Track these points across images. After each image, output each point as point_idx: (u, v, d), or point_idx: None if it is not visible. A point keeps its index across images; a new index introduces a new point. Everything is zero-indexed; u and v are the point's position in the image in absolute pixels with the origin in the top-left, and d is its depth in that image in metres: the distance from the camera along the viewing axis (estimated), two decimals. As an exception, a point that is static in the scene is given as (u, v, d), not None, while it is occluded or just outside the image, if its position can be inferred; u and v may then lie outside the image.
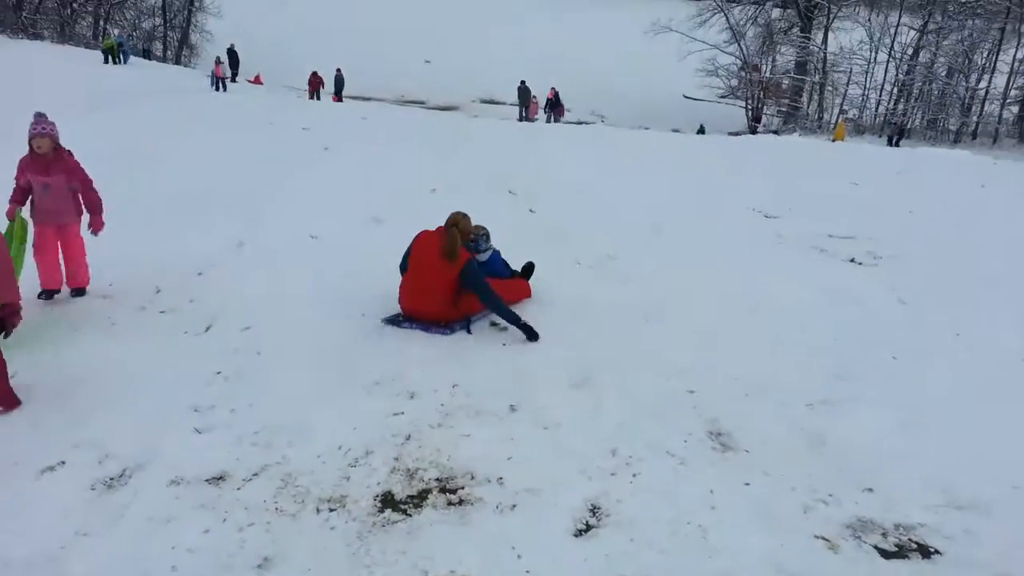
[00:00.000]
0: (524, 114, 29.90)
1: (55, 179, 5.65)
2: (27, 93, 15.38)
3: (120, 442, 3.93)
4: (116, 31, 37.16)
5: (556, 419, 4.26)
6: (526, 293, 6.28)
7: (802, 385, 4.78)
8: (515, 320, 5.38)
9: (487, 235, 6.35)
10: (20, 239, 5.54)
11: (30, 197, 5.74)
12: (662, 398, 4.53)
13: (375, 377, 4.71)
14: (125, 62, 27.85)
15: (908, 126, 38.14)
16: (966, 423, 4.39)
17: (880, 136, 33.84)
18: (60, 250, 5.80)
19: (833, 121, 38.23)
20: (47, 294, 5.83)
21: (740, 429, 4.22)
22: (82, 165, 5.88)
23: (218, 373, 4.70)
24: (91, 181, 5.88)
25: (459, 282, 5.37)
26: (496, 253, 6.40)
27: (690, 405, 4.47)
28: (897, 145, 28.47)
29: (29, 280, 5.46)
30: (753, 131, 34.64)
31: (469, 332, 5.49)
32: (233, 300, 5.90)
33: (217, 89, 24.19)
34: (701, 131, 33.56)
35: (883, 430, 4.29)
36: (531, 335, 5.34)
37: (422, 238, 5.65)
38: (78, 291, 5.92)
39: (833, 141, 25.59)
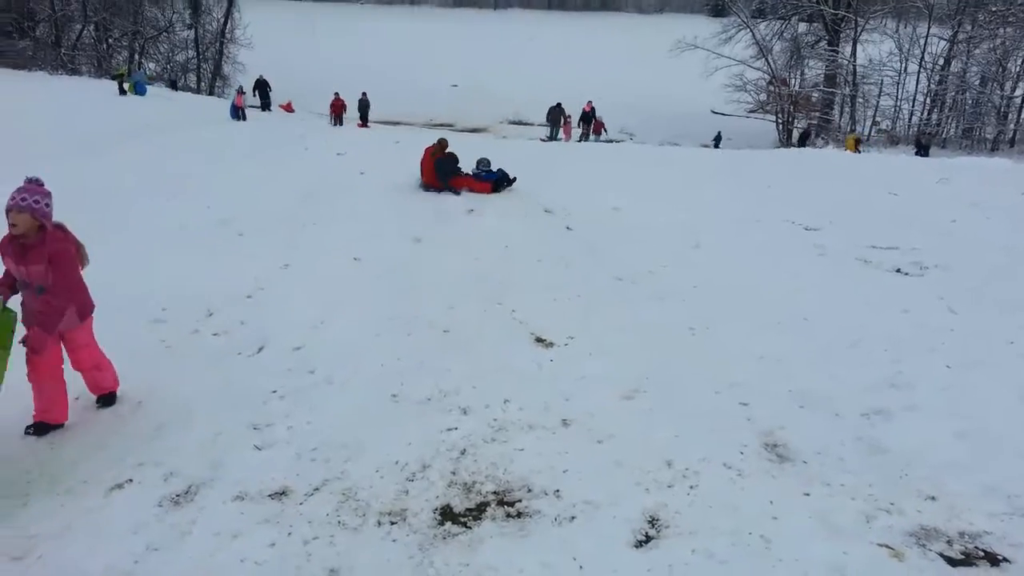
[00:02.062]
0: (555, 134, 29.22)
1: (33, 270, 4.06)
2: (49, 129, 15.70)
3: (183, 460, 4.02)
4: (125, 62, 37.99)
5: (609, 432, 4.28)
6: (482, 189, 11.49)
7: (856, 396, 4.74)
8: (450, 190, 11.34)
9: (488, 161, 12.05)
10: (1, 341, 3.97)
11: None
12: (715, 410, 4.52)
13: (427, 393, 4.77)
14: (141, 95, 26.89)
15: (943, 135, 37.66)
16: (1022, 430, 4.32)
17: (908, 145, 33.41)
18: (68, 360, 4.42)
19: (867, 132, 37.86)
20: (38, 428, 4.29)
21: (796, 440, 4.19)
22: (74, 250, 4.29)
23: (273, 392, 4.79)
24: (66, 279, 4.16)
25: (437, 167, 11.41)
26: (495, 173, 11.83)
27: (744, 417, 4.45)
28: (924, 155, 28.06)
29: (14, 396, 4.08)
30: (786, 144, 34.43)
31: (457, 195, 11.22)
32: (283, 321, 6.00)
33: (237, 119, 24.04)
34: (717, 140, 33.42)
35: (941, 439, 4.24)
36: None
37: (426, 151, 11.80)
38: (106, 399, 4.66)
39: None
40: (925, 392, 4.78)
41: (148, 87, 29.63)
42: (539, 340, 5.75)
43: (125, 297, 6.33)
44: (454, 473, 3.92)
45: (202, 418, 4.47)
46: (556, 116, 29.20)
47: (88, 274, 6.17)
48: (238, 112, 24.42)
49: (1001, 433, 4.25)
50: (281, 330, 5.79)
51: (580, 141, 28.59)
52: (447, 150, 11.75)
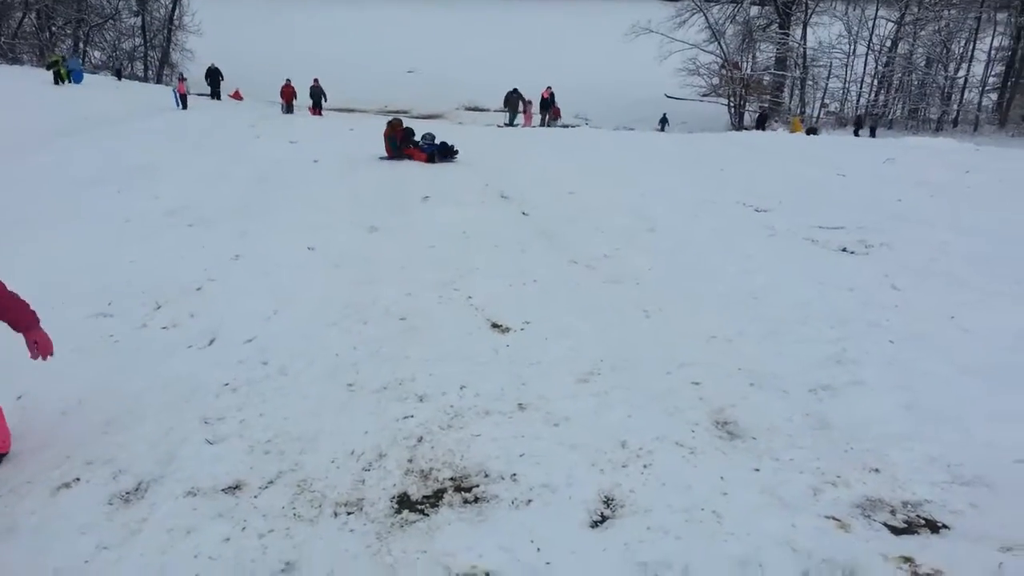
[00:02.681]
0: (513, 120, 28.92)
1: None
2: None
3: (133, 457, 3.95)
4: (62, 48, 36.90)
5: (564, 414, 4.31)
6: (419, 158, 13.38)
7: (804, 372, 4.85)
8: (398, 156, 13.43)
9: (432, 136, 13.91)
10: None
11: None
12: (668, 391, 4.59)
13: (383, 382, 4.75)
14: (77, 82, 26.32)
15: (889, 116, 38.52)
16: (965, 403, 4.45)
17: (863, 128, 34.15)
18: None
19: (816, 115, 38.53)
20: None
21: (746, 418, 4.27)
22: None
23: (225, 385, 4.73)
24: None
25: (390, 143, 13.46)
26: (435, 145, 13.63)
27: (696, 396, 4.52)
28: (870, 135, 28.67)
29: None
30: (739, 127, 34.88)
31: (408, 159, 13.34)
32: (234, 313, 5.92)
33: (181, 107, 23.34)
34: (663, 123, 33.75)
35: (885, 413, 4.35)
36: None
37: (386, 130, 13.78)
38: None
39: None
40: (870, 367, 4.90)
41: (85, 74, 28.75)
42: (495, 326, 5.76)
43: (70, 291, 6.21)
44: (411, 461, 3.91)
45: (152, 413, 4.39)
46: (514, 101, 28.83)
47: (32, 268, 6.04)
48: (180, 99, 23.77)
49: (942, 405, 4.39)
50: (232, 322, 5.71)
51: (540, 126, 28.39)
52: (404, 126, 14.16)
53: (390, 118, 14.86)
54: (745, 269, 7.07)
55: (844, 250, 7.88)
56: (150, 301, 6.11)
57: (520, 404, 4.46)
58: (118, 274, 6.57)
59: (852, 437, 4.08)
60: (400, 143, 13.64)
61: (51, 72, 25.74)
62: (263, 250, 7.63)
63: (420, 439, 4.12)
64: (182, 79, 25.23)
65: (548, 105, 29.31)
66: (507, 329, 5.69)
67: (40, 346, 3.93)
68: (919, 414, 4.32)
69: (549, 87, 29.57)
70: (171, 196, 9.64)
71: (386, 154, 13.79)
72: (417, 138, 13.80)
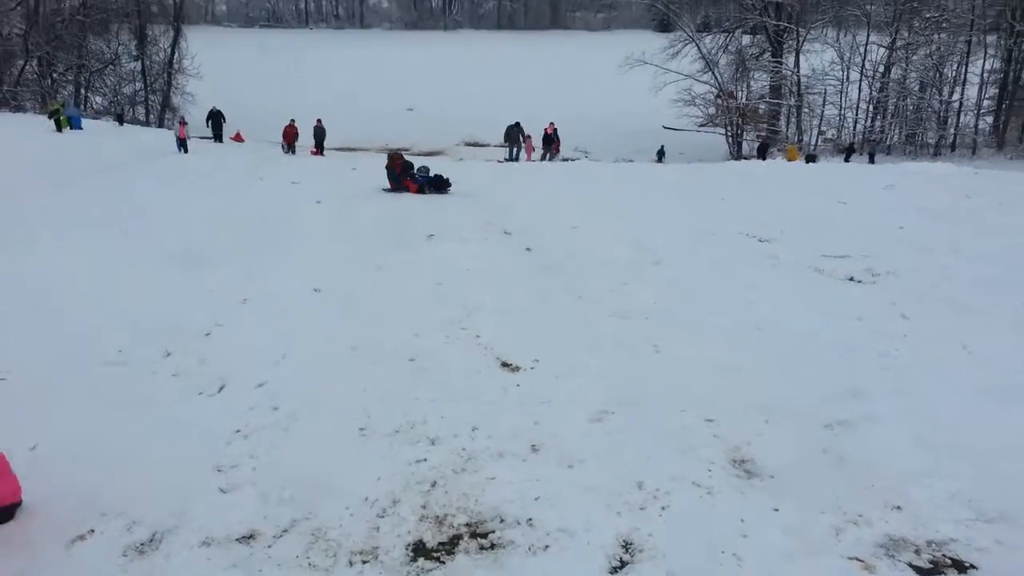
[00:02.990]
0: (514, 155, 28.52)
1: None
2: None
3: (147, 508, 3.92)
4: (63, 95, 37.27)
5: (579, 456, 4.28)
6: (413, 189, 14.13)
7: (818, 407, 4.82)
8: (398, 188, 14.19)
9: (427, 169, 14.67)
10: None
11: None
12: (682, 428, 4.56)
13: (394, 425, 4.73)
14: (77, 128, 26.45)
15: (887, 141, 38.78)
16: (982, 433, 4.43)
17: (861, 155, 34.35)
18: None
19: (813, 142, 38.78)
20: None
21: (763, 455, 4.24)
22: None
23: (237, 431, 4.71)
24: None
25: (390, 174, 14.26)
26: (430, 177, 14.35)
27: (710, 434, 4.50)
28: (847, 162, 28.86)
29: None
30: (737, 157, 35.11)
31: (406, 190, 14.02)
32: (244, 358, 5.91)
33: (182, 151, 23.14)
34: (661, 154, 33.94)
35: (903, 447, 4.32)
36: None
37: (387, 163, 14.69)
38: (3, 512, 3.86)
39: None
40: (884, 400, 4.88)
41: (84, 119, 28.99)
42: (505, 364, 5.75)
43: (80, 339, 6.21)
44: (425, 507, 3.88)
45: (165, 462, 4.36)
46: (515, 135, 28.54)
47: (42, 314, 6.05)
48: (181, 144, 23.63)
49: (959, 438, 4.36)
50: (242, 367, 5.70)
51: (543, 161, 28.38)
52: (403, 160, 14.94)
53: (391, 152, 16.00)
54: (752, 300, 7.07)
55: (851, 279, 7.89)
56: (160, 348, 6.10)
57: (533, 445, 4.44)
58: (128, 320, 6.57)
59: (871, 474, 4.05)
60: (399, 175, 14.37)
61: (52, 120, 25.93)
62: (270, 293, 7.63)
63: (434, 484, 4.09)
64: (183, 123, 25.36)
65: (551, 141, 29.17)
66: (516, 368, 5.67)
67: None
68: (936, 447, 4.29)
69: (552, 123, 29.53)
70: (176, 239, 9.68)
71: (388, 186, 14.53)
72: (414, 171, 14.56)
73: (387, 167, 14.72)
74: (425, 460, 4.32)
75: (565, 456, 4.29)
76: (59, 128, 25.46)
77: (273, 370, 5.67)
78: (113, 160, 17.85)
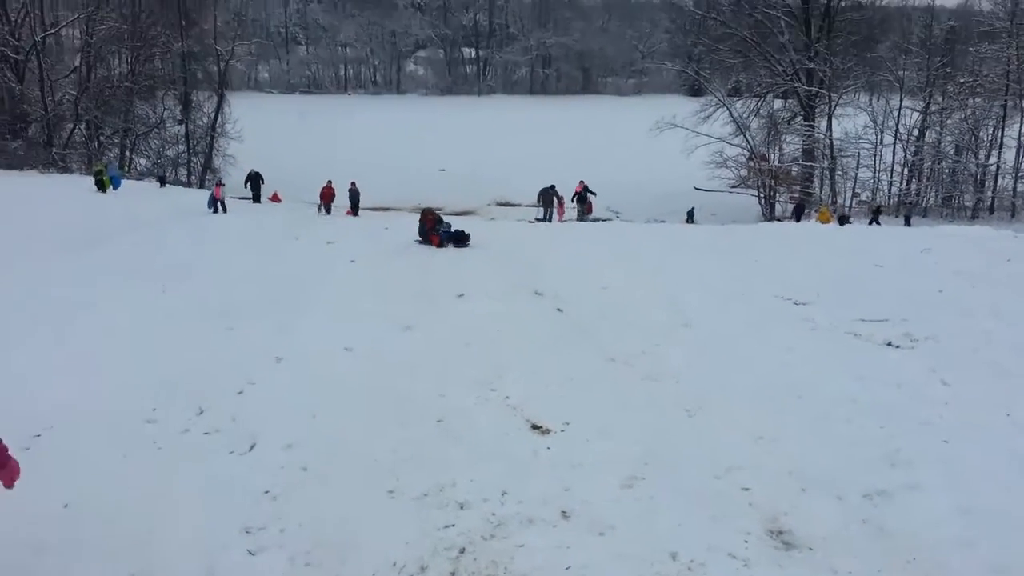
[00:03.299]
0: (547, 216, 28.15)
1: None
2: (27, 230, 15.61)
3: (175, 567, 3.91)
4: (108, 156, 38.56)
5: (610, 522, 4.19)
6: (434, 242, 15.04)
7: (857, 475, 4.69)
8: (427, 241, 15.18)
9: (449, 225, 15.81)
10: None
11: None
12: (716, 496, 4.46)
13: (422, 488, 4.68)
14: (116, 188, 27.15)
15: (923, 204, 38.46)
16: (1027, 505, 4.26)
17: (897, 216, 34.04)
18: None
19: (848, 204, 38.59)
20: None
21: (801, 525, 4.12)
22: None
23: (266, 492, 4.69)
24: None
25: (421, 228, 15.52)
26: (451, 232, 15.31)
27: (746, 502, 4.38)
28: (874, 223, 28.50)
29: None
30: (770, 218, 35.02)
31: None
32: (275, 417, 5.93)
33: (216, 211, 23.07)
34: (691, 215, 33.91)
35: (944, 518, 4.18)
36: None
37: (420, 217, 15.98)
38: None
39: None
40: (925, 468, 4.74)
41: (123, 180, 29.82)
42: (535, 427, 5.70)
43: (116, 395, 6.28)
44: (453, 573, 3.82)
45: (194, 522, 4.36)
46: (548, 197, 28.36)
47: (79, 369, 6.15)
48: (217, 204, 23.56)
49: (1004, 508, 4.21)
50: (273, 426, 5.71)
51: (579, 220, 28.26)
52: (433, 215, 16.14)
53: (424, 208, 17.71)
54: (788, 365, 6.96)
55: (889, 344, 7.74)
56: (193, 405, 6.15)
57: (564, 511, 4.36)
58: (163, 377, 6.65)
59: (912, 545, 3.91)
60: (429, 229, 15.62)
61: (95, 181, 26.72)
62: (302, 351, 7.69)
63: (462, 550, 4.02)
64: (219, 184, 25.80)
65: (583, 199, 29.00)
66: (547, 430, 5.62)
67: (2, 478, 3.69)
68: (980, 518, 4.13)
69: (581, 181, 29.47)
70: (213, 297, 9.83)
71: (419, 238, 15.83)
72: (440, 227, 15.84)
73: (420, 221, 16.00)
74: (454, 525, 4.26)
75: (596, 523, 4.21)
76: (102, 188, 26.22)
77: (303, 429, 5.68)
78: (152, 219, 18.30)
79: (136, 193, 27.22)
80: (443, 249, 14.51)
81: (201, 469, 5.05)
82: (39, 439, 5.40)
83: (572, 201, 29.27)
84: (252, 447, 5.43)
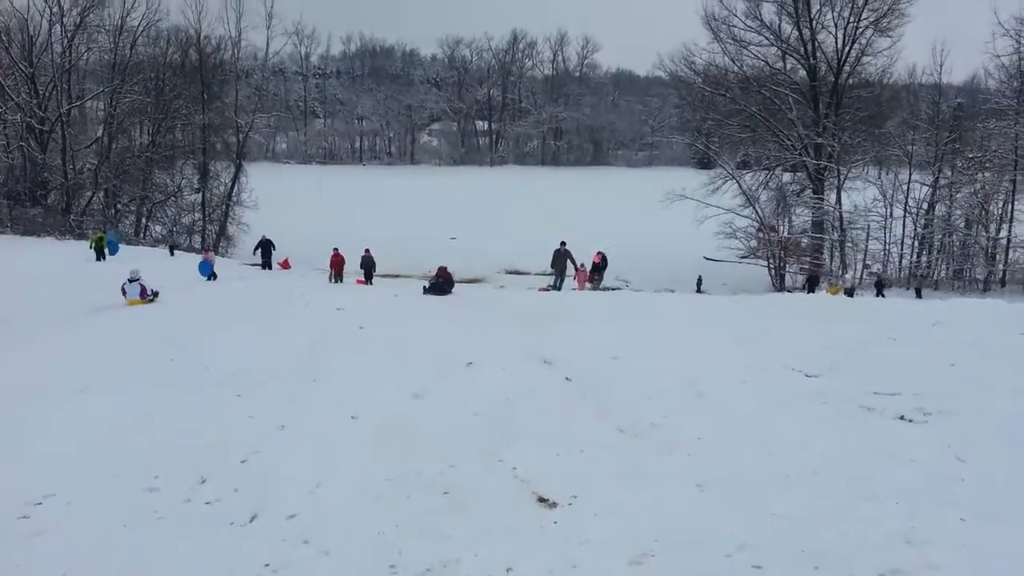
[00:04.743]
0: (558, 283, 25.91)
1: None
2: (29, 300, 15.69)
3: (168, 645, 3.80)
4: (125, 224, 39.14)
5: (618, 603, 4.07)
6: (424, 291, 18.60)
7: (871, 554, 4.56)
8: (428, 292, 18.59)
9: (439, 279, 18.66)
10: None
11: None
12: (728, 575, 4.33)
13: (426, 563, 4.58)
14: (112, 254, 27.12)
15: (934, 277, 38.40)
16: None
17: (908, 288, 33.94)
18: None
19: (858, 276, 38.55)
20: None
21: (814, 607, 3.98)
22: None
23: (266, 566, 4.60)
24: None
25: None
26: (436, 283, 18.38)
27: (758, 582, 4.26)
28: (880, 296, 28.33)
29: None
30: (780, 289, 34.98)
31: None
32: (277, 487, 5.86)
33: (207, 277, 22.25)
34: (699, 284, 33.89)
35: (965, 601, 4.03)
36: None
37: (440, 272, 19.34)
38: None
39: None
40: (942, 549, 4.60)
41: (122, 245, 29.96)
42: (542, 500, 5.59)
43: (118, 463, 6.24)
44: (455, 653, 3.69)
45: (190, 596, 4.27)
46: (561, 262, 25.62)
47: (84, 440, 6.11)
48: (208, 270, 22.80)
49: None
50: (275, 496, 5.63)
51: (587, 290, 27.54)
52: (447, 272, 19.25)
53: (441, 267, 20.04)
54: (801, 439, 6.84)
55: (902, 418, 7.61)
56: (195, 474, 6.08)
57: (571, 590, 4.24)
58: (168, 444, 6.61)
59: (932, 630, 3.76)
60: (436, 280, 18.97)
61: (93, 249, 26.57)
62: (308, 419, 7.64)
63: (465, 628, 3.90)
64: (207, 249, 25.44)
65: (601, 269, 27.48)
66: (554, 504, 5.51)
67: None
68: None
69: (600, 252, 28.00)
70: (220, 365, 9.83)
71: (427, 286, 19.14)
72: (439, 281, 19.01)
73: (436, 274, 19.34)
74: (457, 602, 4.15)
75: (603, 602, 4.08)
76: (100, 257, 26.22)
77: (307, 501, 5.60)
78: (159, 286, 18.26)
79: (145, 260, 27.41)
80: (454, 318, 14.38)
81: (201, 540, 4.97)
82: (40, 507, 5.34)
83: (591, 273, 27.52)
84: (253, 518, 5.35)
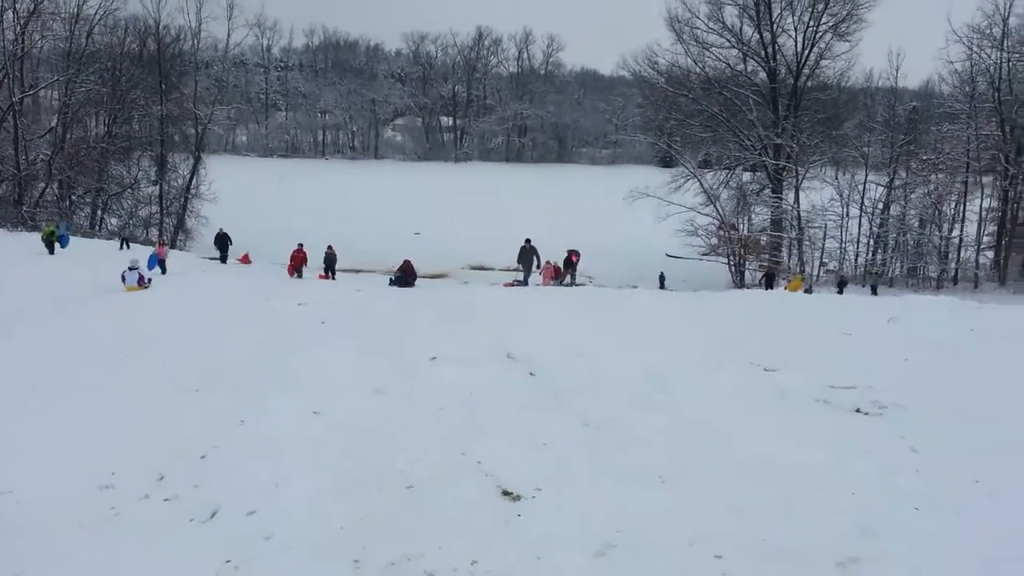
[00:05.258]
0: (526, 279, 26.05)
1: None
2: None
3: (125, 642, 3.73)
4: (78, 216, 38.21)
5: (582, 594, 4.09)
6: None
7: (829, 543, 4.65)
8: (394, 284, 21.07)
9: (401, 274, 21.76)
10: None
11: None
12: (689, 566, 4.38)
13: (390, 558, 4.56)
14: (63, 246, 25.97)
15: (889, 274, 39.28)
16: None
17: (864, 286, 34.65)
18: None
19: (816, 274, 39.27)
20: None
21: (773, 595, 4.05)
22: None
23: (227, 562, 4.54)
24: None
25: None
26: (399, 276, 21.70)
27: (719, 572, 4.32)
28: (840, 293, 28.93)
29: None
30: (739, 285, 35.46)
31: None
32: (237, 482, 5.78)
33: (160, 271, 21.56)
34: (662, 281, 34.26)
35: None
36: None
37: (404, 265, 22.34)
38: None
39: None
40: (897, 538, 4.71)
41: (71, 237, 29.14)
42: (506, 493, 5.60)
43: (74, 461, 6.09)
44: (419, 646, 3.68)
45: (148, 593, 4.19)
46: (528, 257, 25.87)
47: (39, 437, 5.97)
48: (159, 264, 22.08)
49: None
50: (235, 493, 5.56)
51: (566, 286, 27.26)
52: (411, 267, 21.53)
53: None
54: (759, 431, 6.95)
55: (857, 411, 7.78)
56: (153, 471, 5.98)
57: (535, 582, 4.25)
58: (124, 442, 6.48)
59: (887, 617, 3.85)
60: (401, 273, 21.49)
61: (44, 242, 25.75)
62: (269, 415, 7.55)
63: (429, 621, 3.89)
64: (162, 243, 24.95)
65: (574, 266, 27.06)
66: (518, 497, 5.52)
67: None
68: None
69: (577, 251, 27.65)
70: (178, 361, 9.65)
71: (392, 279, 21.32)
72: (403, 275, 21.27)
73: (400, 268, 21.67)
74: (421, 596, 4.14)
75: (567, 594, 4.11)
76: (51, 250, 25.50)
77: (267, 497, 5.53)
78: (113, 283, 17.84)
79: (95, 254, 26.68)
80: (418, 313, 14.28)
81: (159, 538, 4.89)
82: (-9, 505, 5.21)
83: (565, 270, 27.26)
84: (214, 514, 5.27)
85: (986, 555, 4.48)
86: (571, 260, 27.63)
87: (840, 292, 30.09)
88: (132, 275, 17.05)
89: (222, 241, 31.32)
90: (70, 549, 4.48)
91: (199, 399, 8.07)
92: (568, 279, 28.11)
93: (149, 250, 25.99)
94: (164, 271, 22.15)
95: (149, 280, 17.69)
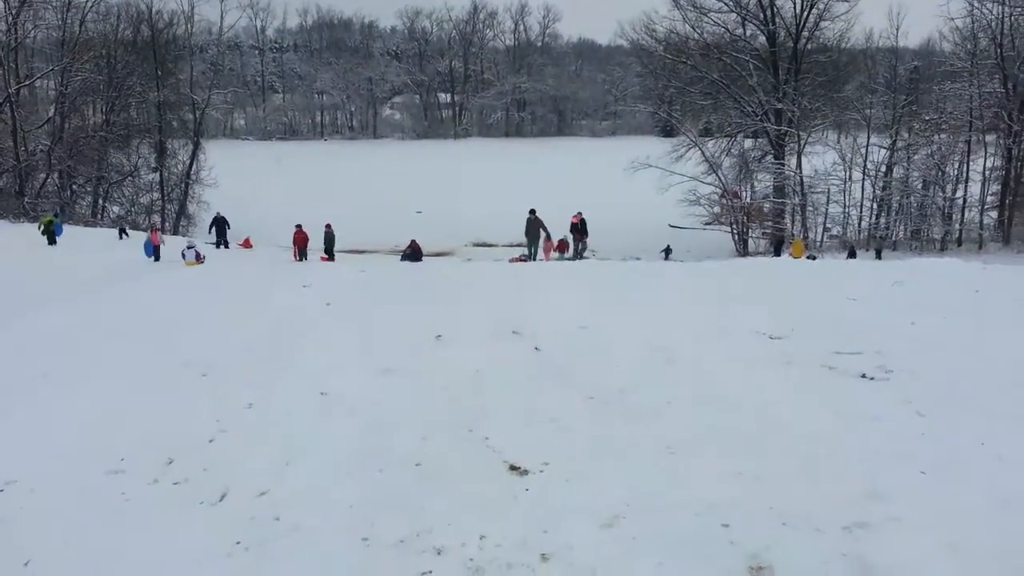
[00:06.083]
0: (532, 254, 25.54)
1: None
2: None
3: (140, 626, 3.77)
4: (81, 205, 38.16)
5: (590, 565, 4.13)
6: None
7: (837, 509, 4.66)
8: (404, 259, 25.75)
9: (410, 250, 26.77)
10: None
11: None
12: (697, 534, 4.40)
13: (399, 535, 4.58)
14: (57, 234, 26.42)
15: (892, 237, 39.14)
16: (1011, 539, 4.24)
17: (868, 250, 34.58)
18: None
19: (820, 239, 39.16)
20: None
21: (782, 561, 4.08)
22: None
23: (238, 543, 4.57)
24: None
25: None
26: (408, 253, 26.57)
27: (727, 540, 4.33)
28: (850, 258, 28.90)
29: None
30: (743, 254, 35.41)
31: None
32: (247, 465, 5.81)
33: (153, 258, 21.87)
34: (667, 252, 34.24)
35: (927, 552, 4.15)
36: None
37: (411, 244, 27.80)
38: None
39: (794, 258, 26.12)
40: (904, 502, 4.72)
41: (66, 226, 29.15)
42: (513, 468, 5.62)
43: (83, 448, 6.14)
44: (430, 622, 3.71)
45: (162, 577, 4.23)
46: (535, 229, 24.93)
47: (48, 424, 6.01)
48: (154, 251, 22.38)
49: (986, 542, 4.18)
50: (245, 475, 5.59)
51: (579, 257, 26.52)
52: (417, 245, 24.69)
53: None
54: (766, 400, 6.95)
55: (863, 376, 7.77)
56: (162, 456, 6.01)
57: (543, 554, 4.28)
58: (132, 427, 6.51)
59: (895, 579, 3.86)
60: (409, 251, 24.78)
61: (43, 233, 25.81)
62: (276, 397, 7.57)
63: (440, 597, 3.92)
64: (155, 228, 24.98)
65: (580, 230, 26.90)
66: (525, 471, 5.54)
67: None
68: (964, 555, 4.10)
69: (580, 212, 27.34)
70: (184, 346, 9.69)
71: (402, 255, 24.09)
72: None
73: (408, 246, 25.13)
74: (431, 572, 4.17)
75: (576, 567, 4.14)
76: (51, 240, 25.53)
77: (276, 477, 5.56)
78: (116, 273, 17.94)
79: (90, 244, 26.68)
80: (423, 291, 14.31)
81: (170, 521, 4.92)
82: (3, 494, 5.25)
83: (571, 235, 27.39)
84: (223, 497, 5.31)
85: (996, 521, 4.48)
86: (573, 223, 27.18)
87: (850, 258, 30.04)
88: (190, 252, 21.15)
89: (220, 225, 31.17)
90: (80, 535, 4.52)
91: (207, 383, 8.10)
92: (580, 247, 27.76)
93: (143, 235, 26.07)
94: (158, 258, 22.20)
95: (204, 257, 22.05)
